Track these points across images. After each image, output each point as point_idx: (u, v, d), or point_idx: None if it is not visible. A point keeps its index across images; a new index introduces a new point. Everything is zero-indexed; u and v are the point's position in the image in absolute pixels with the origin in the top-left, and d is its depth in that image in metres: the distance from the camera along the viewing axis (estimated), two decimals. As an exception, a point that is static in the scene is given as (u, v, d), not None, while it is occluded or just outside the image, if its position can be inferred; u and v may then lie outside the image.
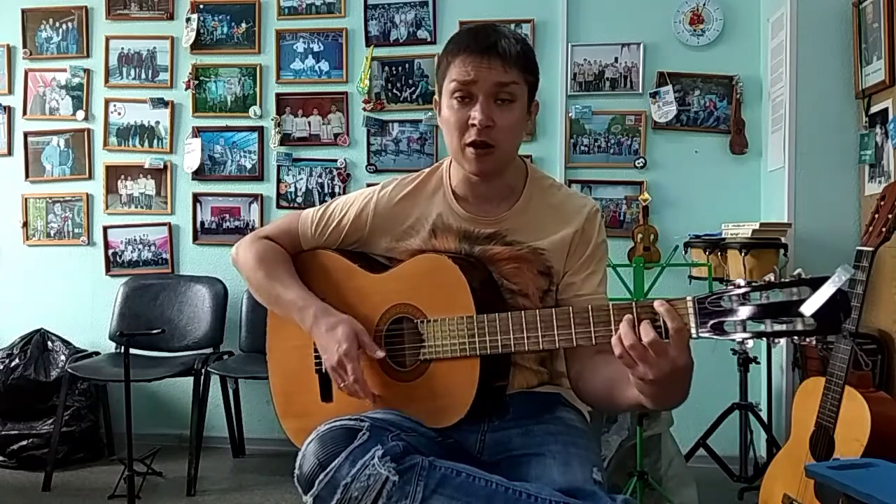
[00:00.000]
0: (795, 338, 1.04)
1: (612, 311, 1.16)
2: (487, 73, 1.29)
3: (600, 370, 1.30)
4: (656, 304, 1.09)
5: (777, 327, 1.02)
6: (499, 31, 1.33)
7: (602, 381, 1.29)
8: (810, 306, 0.99)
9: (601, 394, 1.31)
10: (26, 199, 3.61)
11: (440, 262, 1.33)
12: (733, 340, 1.07)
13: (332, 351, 1.31)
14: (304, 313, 1.38)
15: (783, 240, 2.71)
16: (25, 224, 3.60)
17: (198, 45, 3.50)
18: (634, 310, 1.12)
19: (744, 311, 1.04)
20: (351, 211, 1.47)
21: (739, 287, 1.05)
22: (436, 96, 1.42)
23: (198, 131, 3.51)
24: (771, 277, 1.05)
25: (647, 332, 1.07)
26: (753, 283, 1.05)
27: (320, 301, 1.39)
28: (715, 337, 1.06)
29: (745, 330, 1.04)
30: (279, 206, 3.46)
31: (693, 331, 1.08)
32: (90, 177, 3.57)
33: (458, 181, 1.42)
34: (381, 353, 1.32)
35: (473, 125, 1.30)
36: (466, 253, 1.39)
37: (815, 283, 1.00)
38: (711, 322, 1.06)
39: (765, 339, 1.04)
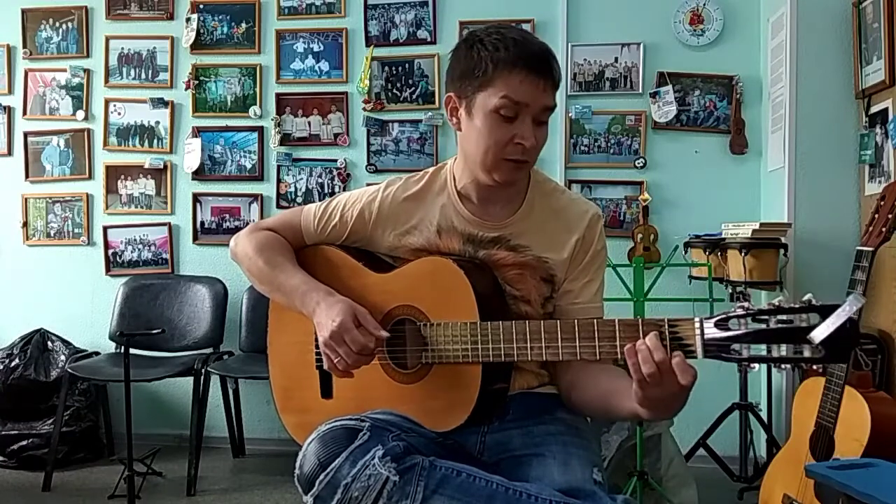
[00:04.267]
0: (802, 364, 1.01)
1: (617, 327, 1.15)
2: (541, 97, 1.28)
3: (597, 382, 1.30)
4: (675, 361, 1.07)
5: (784, 353, 1.01)
6: (548, 51, 1.31)
7: (599, 393, 1.29)
8: (819, 334, 0.98)
9: (595, 405, 1.31)
10: (26, 199, 3.61)
11: (444, 265, 1.32)
12: (738, 363, 1.06)
13: (327, 326, 1.27)
14: (307, 297, 1.35)
15: (783, 240, 2.71)
16: (25, 224, 3.60)
17: (198, 45, 3.50)
18: (640, 327, 1.12)
19: (751, 336, 1.03)
20: (355, 208, 1.45)
21: (748, 310, 1.04)
22: (451, 93, 1.36)
23: (198, 131, 3.51)
24: (781, 301, 1.03)
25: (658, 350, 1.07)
26: (762, 307, 1.03)
27: (324, 286, 1.37)
28: (721, 358, 1.05)
29: (751, 354, 1.03)
30: (279, 206, 3.46)
31: (699, 352, 1.07)
32: (90, 177, 3.57)
33: (466, 184, 1.40)
34: (384, 334, 1.28)
35: (520, 144, 1.29)
36: (471, 256, 1.38)
37: (825, 311, 0.99)
38: (718, 345, 1.06)
39: (770, 364, 1.03)
